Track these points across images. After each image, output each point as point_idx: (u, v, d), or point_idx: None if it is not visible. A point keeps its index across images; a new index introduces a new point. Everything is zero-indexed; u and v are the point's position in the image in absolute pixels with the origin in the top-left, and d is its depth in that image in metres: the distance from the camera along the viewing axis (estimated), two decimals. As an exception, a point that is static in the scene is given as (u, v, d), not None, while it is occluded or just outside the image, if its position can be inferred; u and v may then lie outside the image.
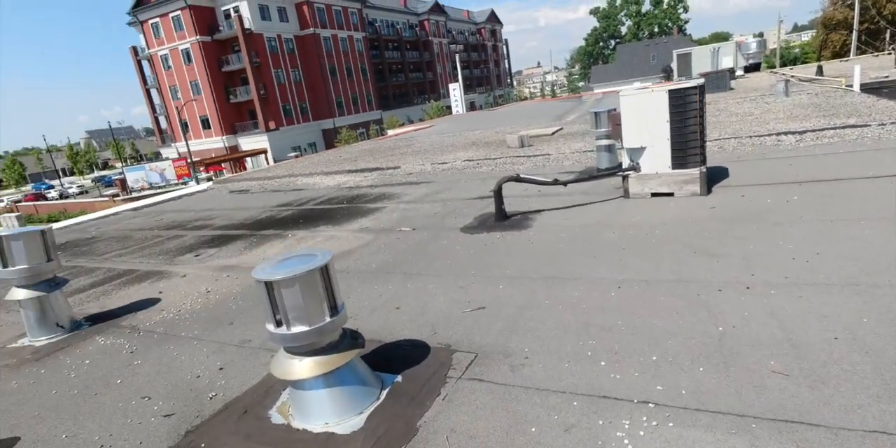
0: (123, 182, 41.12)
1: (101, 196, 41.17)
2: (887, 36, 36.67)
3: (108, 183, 59.44)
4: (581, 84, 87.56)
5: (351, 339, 2.14)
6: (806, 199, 3.65)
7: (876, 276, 2.35)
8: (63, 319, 3.25)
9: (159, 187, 37.69)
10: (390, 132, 19.41)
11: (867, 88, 9.45)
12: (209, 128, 50.36)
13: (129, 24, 51.64)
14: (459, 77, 34.66)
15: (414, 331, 2.53)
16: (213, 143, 49.80)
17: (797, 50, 71.16)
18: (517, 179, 4.21)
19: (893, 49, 14.80)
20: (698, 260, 2.87)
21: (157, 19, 49.27)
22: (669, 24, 79.04)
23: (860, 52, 36.60)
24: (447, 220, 4.64)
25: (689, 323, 2.18)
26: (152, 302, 3.65)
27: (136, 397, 2.29)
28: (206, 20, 47.29)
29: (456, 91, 30.18)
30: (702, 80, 4.01)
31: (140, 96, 56.11)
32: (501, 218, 4.28)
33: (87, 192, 56.80)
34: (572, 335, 2.23)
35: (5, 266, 3.06)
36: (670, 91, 3.89)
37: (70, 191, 57.99)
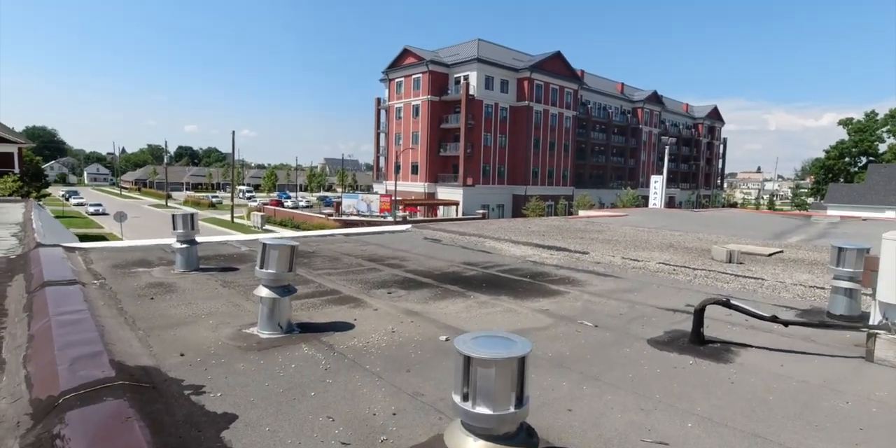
0: (339, 205, 48.01)
1: (320, 213, 48.56)
2: None
3: (328, 203, 70.11)
4: (810, 200, 76.79)
5: (527, 435, 2.12)
6: None
7: None
8: (283, 321, 3.86)
9: (364, 215, 43.03)
10: (581, 213, 19.34)
11: None
12: (416, 173, 56.37)
13: (381, 80, 61.77)
14: (665, 170, 33.36)
15: (584, 443, 2.40)
16: (416, 186, 55.44)
17: None
18: (726, 304, 3.82)
19: None
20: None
21: (402, 79, 58.08)
22: (953, 150, 65.91)
23: None
24: (633, 326, 4.38)
25: None
26: (348, 326, 4.12)
27: (322, 414, 2.58)
28: (439, 83, 54.34)
29: (658, 183, 29.01)
30: None
31: (370, 136, 65.97)
32: (698, 341, 3.88)
33: (311, 206, 67.89)
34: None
35: (261, 267, 3.80)
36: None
37: (300, 203, 70.02)
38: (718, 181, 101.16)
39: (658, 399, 2.94)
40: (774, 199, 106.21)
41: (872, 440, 2.53)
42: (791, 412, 2.83)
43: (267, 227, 43.53)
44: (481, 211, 48.96)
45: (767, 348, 3.86)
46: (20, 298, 4.67)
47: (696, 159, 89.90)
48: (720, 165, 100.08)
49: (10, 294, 4.99)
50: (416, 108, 55.94)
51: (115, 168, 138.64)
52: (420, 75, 55.32)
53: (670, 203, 73.58)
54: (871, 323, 3.64)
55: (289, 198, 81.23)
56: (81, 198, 74.08)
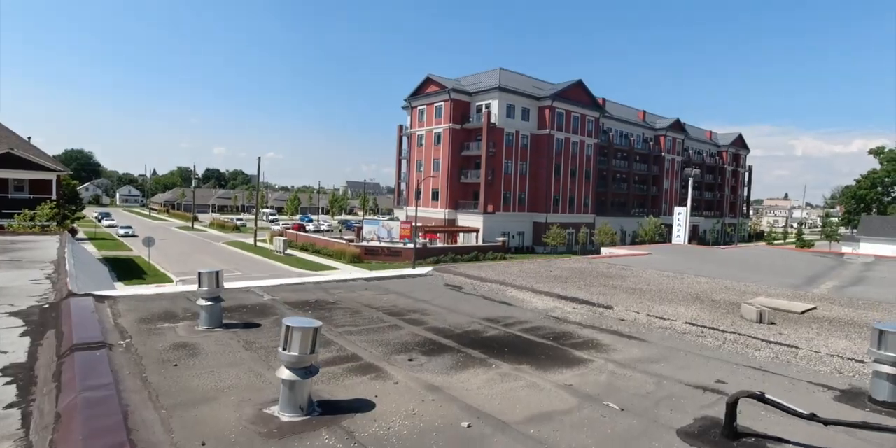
0: (360, 230, 48.46)
1: (341, 238, 49.05)
2: None
3: (349, 227, 70.95)
4: (842, 231, 74.65)
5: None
6: None
7: None
8: (304, 402, 3.83)
9: (385, 240, 43.26)
10: (604, 251, 19.12)
11: None
12: (437, 200, 56.78)
13: (404, 107, 63.00)
14: (689, 202, 32.89)
15: None
16: (437, 213, 55.72)
17: None
18: (760, 399, 3.67)
19: None
20: None
21: (424, 106, 59.19)
22: None
23: None
24: (661, 410, 4.24)
25: None
26: (368, 405, 4.08)
27: (342, 530, 2.52)
28: (461, 111, 55.26)
29: (681, 215, 28.58)
30: None
31: (392, 160, 66.92)
32: (731, 435, 3.73)
33: (332, 230, 68.75)
34: None
35: (284, 349, 3.80)
36: None
37: (322, 227, 71.07)
38: (745, 209, 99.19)
39: (690, 515, 2.81)
40: (803, 227, 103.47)
41: None
42: None
43: (289, 251, 44.06)
44: (501, 238, 48.76)
45: (803, 445, 3.68)
46: (50, 363, 4.76)
47: (720, 188, 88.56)
48: (745, 193, 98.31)
49: (41, 355, 5.10)
50: (438, 136, 56.72)
51: (145, 189, 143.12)
52: (442, 103, 56.28)
53: (694, 232, 72.35)
54: (917, 426, 3.45)
55: (311, 221, 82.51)
56: (113, 219, 76.52)
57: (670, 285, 10.58)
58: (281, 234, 50.48)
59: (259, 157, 49.50)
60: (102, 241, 54.28)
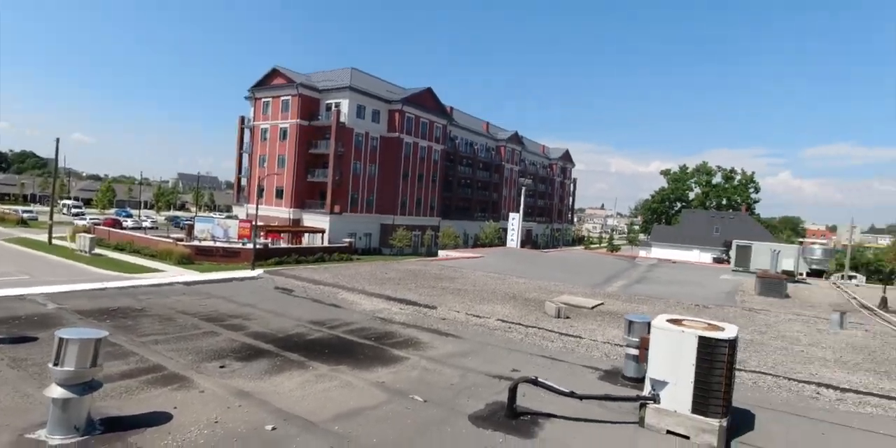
0: (191, 228, 43.79)
1: (167, 236, 43.75)
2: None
3: (178, 224, 63.59)
4: (641, 236, 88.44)
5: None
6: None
7: None
8: (80, 422, 3.47)
9: (221, 240, 39.78)
10: (441, 253, 20.14)
11: (928, 340, 9.09)
12: (281, 198, 54.08)
13: (247, 98, 58.97)
14: (521, 209, 36.22)
15: None
16: (281, 212, 53.07)
17: (870, 254, 69.65)
18: (534, 382, 4.31)
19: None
20: None
21: (270, 99, 56.15)
22: (739, 200, 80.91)
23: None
24: (460, 399, 4.70)
25: None
26: (165, 417, 3.84)
27: None
28: (309, 108, 53.48)
29: (515, 221, 31.39)
30: (734, 334, 4.16)
31: (232, 153, 61.96)
32: (511, 415, 4.31)
33: (157, 228, 60.84)
34: None
35: (56, 364, 3.40)
36: (700, 338, 4.05)
37: (144, 223, 62.38)
38: (570, 216, 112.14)
39: (465, 488, 3.21)
40: (614, 233, 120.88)
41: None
42: (572, 491, 3.27)
43: (98, 251, 38.10)
44: (348, 239, 48.30)
45: (568, 418, 4.42)
46: None
47: (550, 196, 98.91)
48: (571, 202, 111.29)
49: None
50: (284, 131, 54.09)
51: None
52: (289, 98, 53.81)
53: (528, 236, 79.50)
54: (643, 395, 4.36)
55: (130, 216, 72.18)
56: None
57: (493, 286, 11.62)
58: (87, 231, 43.34)
59: (58, 138, 41.76)
60: None
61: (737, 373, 5.96)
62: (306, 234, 48.66)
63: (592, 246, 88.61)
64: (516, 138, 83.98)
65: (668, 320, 4.44)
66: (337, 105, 53.24)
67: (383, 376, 5.15)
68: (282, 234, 46.56)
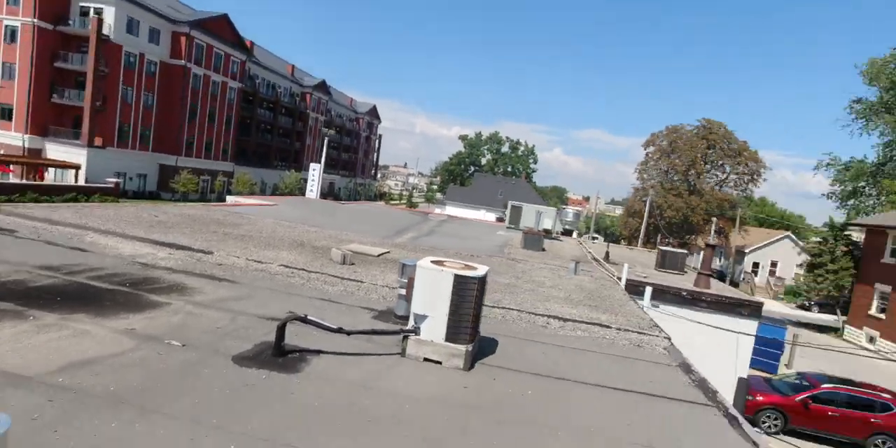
0: None
1: None
2: (657, 238, 46.85)
3: None
4: (438, 195, 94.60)
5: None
6: (539, 395, 4.34)
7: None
8: None
9: None
10: (229, 199, 18.52)
11: (630, 284, 11.88)
12: (9, 119, 42.67)
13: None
14: (323, 159, 35.23)
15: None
16: (10, 137, 41.99)
17: (608, 221, 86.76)
18: (303, 320, 4.34)
19: (660, 247, 19.01)
20: (424, 450, 3.18)
21: (-11, -16, 42.77)
22: (521, 169, 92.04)
23: (647, 241, 46.07)
24: (226, 341, 4.48)
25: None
26: None
27: None
28: (54, 7, 42.23)
29: (316, 171, 30.43)
30: (484, 272, 4.78)
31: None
32: (279, 353, 4.29)
33: None
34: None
35: None
36: (455, 276, 4.55)
37: None
38: (373, 172, 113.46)
39: (215, 424, 3.10)
40: (414, 191, 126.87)
41: (372, 431, 3.33)
42: (326, 416, 3.44)
43: None
44: (114, 179, 40.71)
45: (336, 353, 4.59)
46: None
47: (355, 150, 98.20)
48: (375, 158, 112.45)
49: None
50: (13, 32, 41.74)
51: None
52: (23, -13, 41.59)
53: (330, 188, 78.20)
54: (405, 328, 4.76)
55: None
56: None
57: (282, 233, 11.18)
58: None
59: None
60: None
61: (492, 310, 6.92)
62: (52, 170, 39.62)
63: (393, 202, 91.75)
64: (324, 87, 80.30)
65: (432, 261, 4.87)
66: (98, 12, 43.08)
67: (135, 323, 4.59)
68: (12, 167, 36.99)
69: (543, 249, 16.36)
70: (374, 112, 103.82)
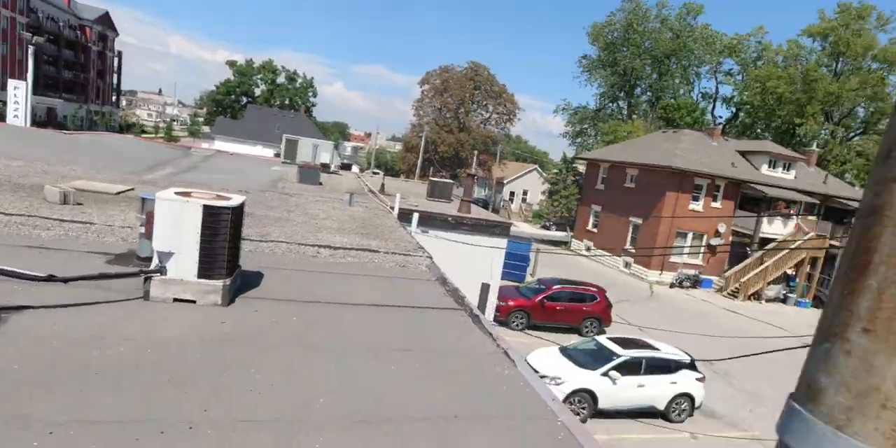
0: None
1: None
2: (430, 171, 50.49)
3: None
4: (205, 129, 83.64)
5: None
6: (306, 320, 4.34)
7: (304, 411, 2.92)
8: None
9: None
10: None
11: (402, 213, 12.56)
12: None
13: None
14: (30, 76, 27.32)
15: None
16: None
17: (389, 157, 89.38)
18: (-3, 270, 3.43)
19: (430, 178, 20.49)
20: (168, 392, 2.92)
21: None
22: (299, 102, 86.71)
23: (423, 174, 49.09)
24: None
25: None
26: None
27: None
28: None
29: (19, 91, 23.60)
30: (240, 202, 4.42)
31: None
32: (-43, 315, 3.33)
33: None
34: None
35: None
36: (205, 206, 4.10)
37: None
38: (115, 98, 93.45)
39: None
40: (174, 123, 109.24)
41: (102, 382, 2.90)
42: (41, 376, 2.85)
43: None
44: None
45: (53, 306, 3.79)
46: None
47: (84, 69, 78.77)
48: (115, 81, 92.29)
49: None
50: None
51: None
52: None
53: (50, 114, 62.21)
54: (148, 269, 4.18)
55: None
56: None
57: (-33, 169, 8.51)
58: None
59: None
60: None
61: (259, 243, 6.57)
62: None
63: (146, 135, 77.69)
64: (24, -23, 60.78)
65: (176, 193, 4.27)
66: None
67: None
68: None
69: (320, 184, 16.05)
70: (106, 20, 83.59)
